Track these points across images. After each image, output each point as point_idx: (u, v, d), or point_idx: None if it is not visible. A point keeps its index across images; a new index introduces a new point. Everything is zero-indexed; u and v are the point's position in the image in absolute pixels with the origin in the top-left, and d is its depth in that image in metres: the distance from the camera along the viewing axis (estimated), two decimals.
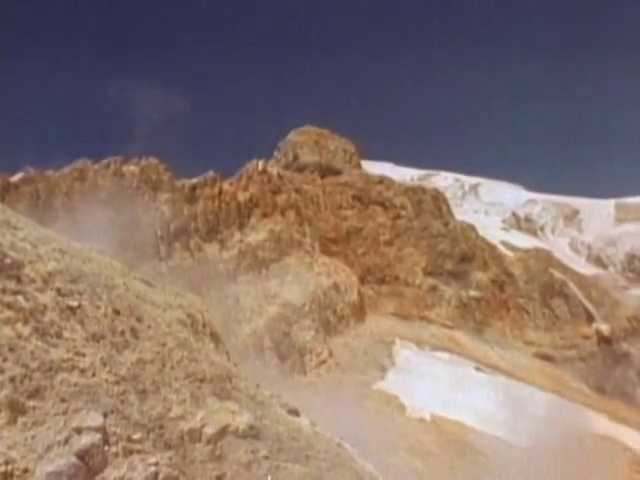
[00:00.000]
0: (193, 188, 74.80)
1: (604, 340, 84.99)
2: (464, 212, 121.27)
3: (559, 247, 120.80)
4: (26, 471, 5.08)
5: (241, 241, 71.60)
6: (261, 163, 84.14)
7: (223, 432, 7.26)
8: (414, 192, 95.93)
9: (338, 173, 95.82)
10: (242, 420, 7.66)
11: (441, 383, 60.77)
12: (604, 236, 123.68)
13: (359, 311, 74.09)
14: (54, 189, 69.60)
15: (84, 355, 6.67)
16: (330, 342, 65.62)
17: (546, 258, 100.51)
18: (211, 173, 77.91)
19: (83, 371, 6.43)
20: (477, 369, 67.77)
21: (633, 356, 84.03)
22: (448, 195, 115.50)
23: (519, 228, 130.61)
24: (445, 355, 69.79)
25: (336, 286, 72.67)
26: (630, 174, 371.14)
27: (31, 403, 5.62)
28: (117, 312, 8.03)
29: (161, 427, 6.63)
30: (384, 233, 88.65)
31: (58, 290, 7.40)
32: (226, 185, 77.54)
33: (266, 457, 7.55)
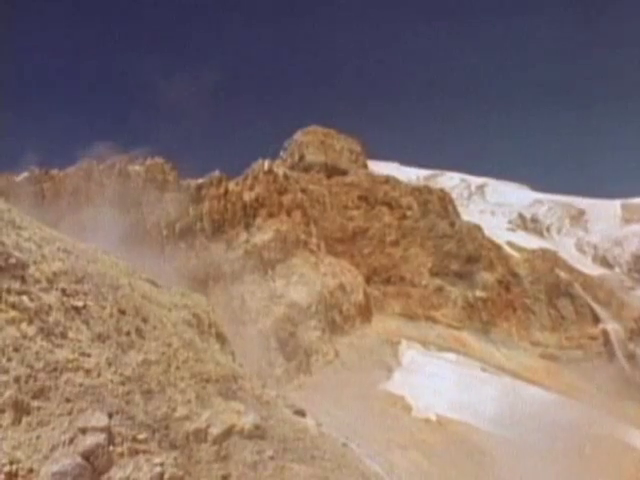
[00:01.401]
0: (199, 188, 74.89)
1: (611, 341, 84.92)
2: (470, 212, 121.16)
3: (565, 247, 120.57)
4: (31, 471, 5.08)
5: (247, 241, 71.57)
6: (267, 163, 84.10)
7: (229, 432, 7.25)
8: (420, 192, 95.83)
9: (344, 173, 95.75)
10: (248, 420, 7.65)
11: (447, 383, 60.67)
12: (610, 236, 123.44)
13: (365, 311, 74.02)
14: (59, 189, 69.81)
15: (89, 355, 6.66)
16: (336, 342, 65.57)
17: (552, 258, 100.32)
18: (217, 173, 77.98)
19: (88, 371, 6.42)
20: (483, 369, 67.66)
21: (639, 356, 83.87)
22: (454, 195, 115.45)
23: (525, 228, 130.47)
24: (451, 355, 69.70)
25: (342, 286, 72.61)
26: (636, 174, 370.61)
27: (36, 403, 5.61)
28: (122, 312, 8.03)
29: (166, 427, 6.61)
30: (390, 233, 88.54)
31: (63, 290, 7.39)
32: (232, 185, 77.56)
33: (272, 457, 7.54)
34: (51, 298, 7.04)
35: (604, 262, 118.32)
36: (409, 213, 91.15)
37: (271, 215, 76.20)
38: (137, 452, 6.01)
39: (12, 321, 6.21)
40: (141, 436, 6.19)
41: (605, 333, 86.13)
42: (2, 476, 4.99)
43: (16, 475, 4.99)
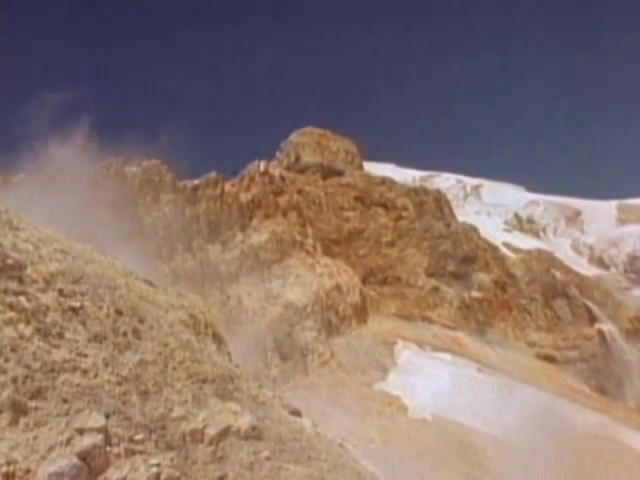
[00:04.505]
0: (195, 189, 74.82)
1: (606, 341, 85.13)
2: (466, 213, 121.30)
3: (561, 248, 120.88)
4: (28, 472, 5.09)
5: (243, 242, 71.57)
6: (263, 164, 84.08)
7: (225, 433, 7.26)
8: (416, 193, 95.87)
9: (340, 174, 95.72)
10: (244, 421, 7.66)
11: (443, 384, 60.69)
12: (606, 237, 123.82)
13: (361, 312, 74.01)
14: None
15: (86, 356, 6.67)
16: (332, 343, 65.58)
17: (548, 259, 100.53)
18: (213, 174, 77.93)
19: (85, 372, 6.43)
20: (479, 370, 67.66)
21: (635, 357, 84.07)
22: (450, 196, 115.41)
23: (521, 229, 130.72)
24: (447, 356, 69.69)
25: (338, 287, 72.60)
26: (632, 175, 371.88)
27: (33, 404, 5.62)
28: (119, 313, 8.04)
29: (163, 428, 6.63)
30: (386, 234, 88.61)
31: (60, 291, 7.41)
32: (228, 186, 77.50)
33: (268, 458, 7.54)
34: (48, 299, 7.06)
35: (600, 263, 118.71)
36: (405, 214, 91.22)
37: (267, 216, 76.21)
38: (134, 453, 6.02)
39: (9, 322, 6.23)
40: (138, 437, 6.20)
41: (601, 333, 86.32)
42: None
43: (13, 476, 5.00)
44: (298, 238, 75.82)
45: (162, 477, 5.99)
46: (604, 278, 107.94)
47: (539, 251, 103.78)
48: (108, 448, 5.81)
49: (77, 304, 7.41)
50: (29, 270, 7.25)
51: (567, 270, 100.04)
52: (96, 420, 5.88)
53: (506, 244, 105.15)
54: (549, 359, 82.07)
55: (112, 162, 74.46)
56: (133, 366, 7.17)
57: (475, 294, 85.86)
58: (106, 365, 6.81)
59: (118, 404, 6.40)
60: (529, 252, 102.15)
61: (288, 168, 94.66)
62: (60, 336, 6.69)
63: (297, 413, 10.59)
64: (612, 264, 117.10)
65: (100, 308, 7.80)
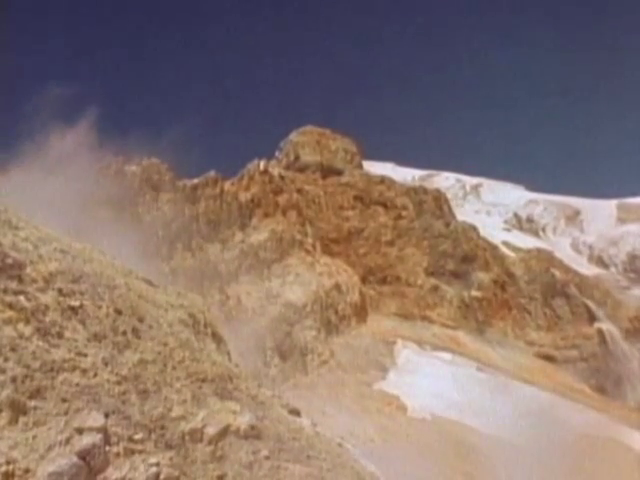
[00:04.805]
0: (194, 188, 74.87)
1: (606, 340, 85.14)
2: (465, 212, 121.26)
3: (561, 247, 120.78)
4: (27, 471, 5.08)
5: (243, 241, 71.61)
6: (262, 163, 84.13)
7: (224, 432, 7.25)
8: (415, 192, 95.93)
9: (339, 173, 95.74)
10: (243, 420, 7.65)
11: (442, 383, 60.70)
12: (606, 236, 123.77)
13: (361, 311, 74.04)
14: None
15: (85, 355, 6.66)
16: (331, 342, 65.60)
17: (548, 258, 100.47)
18: (212, 173, 77.97)
19: (84, 371, 6.42)
20: (478, 369, 67.70)
21: (635, 356, 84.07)
22: (449, 195, 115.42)
23: (521, 228, 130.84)
24: (446, 355, 69.71)
25: (338, 286, 72.62)
26: (632, 174, 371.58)
27: (32, 403, 5.61)
28: (119, 312, 8.02)
29: (162, 427, 6.62)
30: (385, 233, 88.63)
31: (60, 290, 7.40)
32: (227, 185, 77.58)
33: (267, 457, 7.53)
34: (48, 298, 7.05)
35: (600, 262, 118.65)
36: (404, 213, 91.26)
37: (267, 215, 76.27)
38: (133, 452, 6.01)
39: (9, 321, 6.22)
40: (137, 436, 6.19)
41: (600, 333, 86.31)
42: None
43: (12, 475, 4.99)
44: (298, 237, 75.87)
45: (161, 476, 5.98)
46: (604, 277, 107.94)
47: (539, 250, 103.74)
48: (107, 447, 5.80)
49: (76, 303, 7.40)
50: (28, 269, 7.25)
51: (567, 269, 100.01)
52: (95, 419, 5.88)
53: (505, 243, 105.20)
54: (548, 358, 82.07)
55: (112, 161, 74.53)
56: (132, 365, 7.17)
57: (475, 293, 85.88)
58: (105, 364, 6.80)
59: (117, 403, 6.39)
60: (529, 251, 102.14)
61: (287, 167, 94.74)
62: (59, 335, 6.68)
63: (296, 412, 10.58)
64: (612, 263, 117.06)
65: (99, 307, 7.79)
